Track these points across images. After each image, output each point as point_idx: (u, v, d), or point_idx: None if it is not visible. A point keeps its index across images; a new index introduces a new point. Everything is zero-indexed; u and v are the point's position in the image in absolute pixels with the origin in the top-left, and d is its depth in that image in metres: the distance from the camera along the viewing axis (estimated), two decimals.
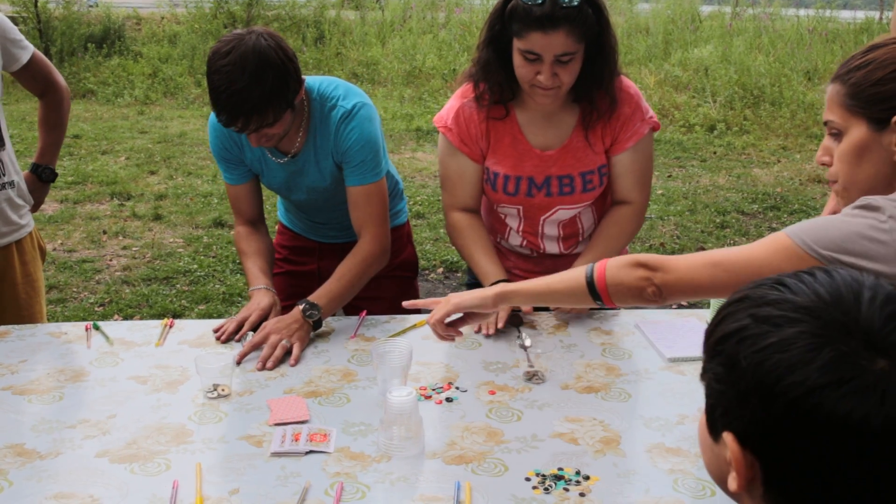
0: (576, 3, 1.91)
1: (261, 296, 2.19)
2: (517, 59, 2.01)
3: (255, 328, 2.10)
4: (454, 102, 2.23)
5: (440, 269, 4.97)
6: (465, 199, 2.28)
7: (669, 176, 7.27)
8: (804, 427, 0.71)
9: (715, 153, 8.04)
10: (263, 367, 1.95)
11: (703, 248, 5.32)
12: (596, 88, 2.08)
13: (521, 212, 2.27)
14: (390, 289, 2.51)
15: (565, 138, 2.18)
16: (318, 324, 2.11)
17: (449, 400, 1.82)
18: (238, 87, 1.94)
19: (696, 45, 11.39)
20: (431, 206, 6.11)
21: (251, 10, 12.60)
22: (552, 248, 2.34)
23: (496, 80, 2.11)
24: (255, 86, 1.95)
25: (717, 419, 0.82)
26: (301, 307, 2.10)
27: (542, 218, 2.27)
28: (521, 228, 2.31)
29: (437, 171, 7.27)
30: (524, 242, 2.34)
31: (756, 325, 0.76)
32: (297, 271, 2.54)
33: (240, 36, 1.99)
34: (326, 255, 2.30)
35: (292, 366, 1.97)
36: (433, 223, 5.74)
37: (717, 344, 0.81)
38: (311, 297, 2.14)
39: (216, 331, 2.12)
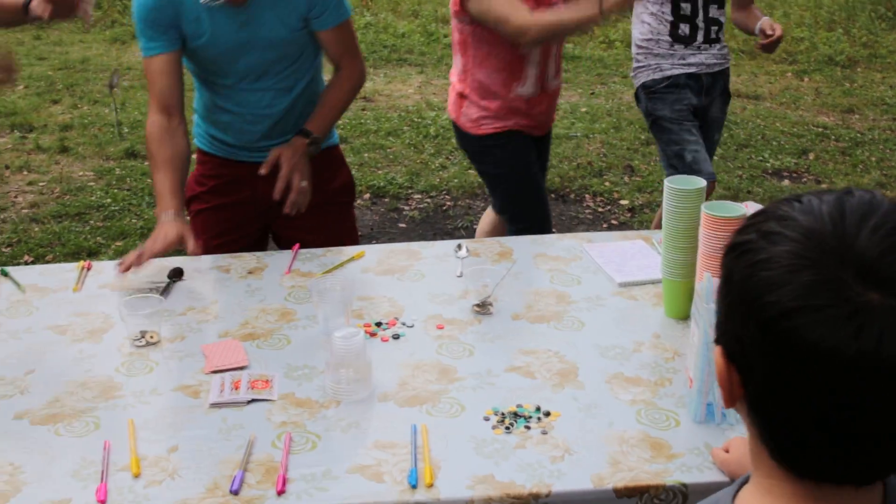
0: None
1: (167, 228, 1.98)
2: None
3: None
4: None
5: (367, 195, 4.83)
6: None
7: (592, 93, 7.21)
8: (776, 349, 0.68)
9: None
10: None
11: (630, 166, 5.31)
12: None
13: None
14: (329, 217, 2.37)
15: None
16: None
17: (396, 337, 1.72)
18: None
19: None
20: (354, 129, 5.92)
21: None
22: (552, 71, 2.73)
23: None
24: None
25: (716, 332, 0.79)
26: (307, 141, 2.15)
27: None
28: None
29: (360, 94, 7.04)
30: (538, 73, 2.67)
31: (757, 239, 0.72)
32: (227, 203, 2.32)
33: None
34: (261, 181, 2.14)
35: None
36: (356, 147, 5.57)
37: (725, 255, 0.77)
38: (309, 127, 2.18)
39: (120, 264, 1.96)
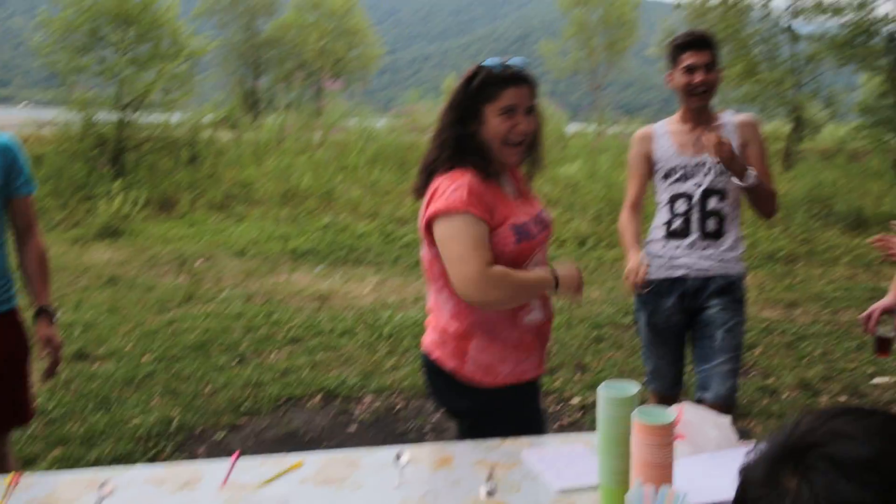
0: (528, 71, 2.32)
1: None
2: (494, 121, 2.27)
3: None
4: (461, 184, 2.21)
5: (318, 398, 4.79)
6: (491, 258, 2.22)
7: None
8: None
9: (587, 267, 8.26)
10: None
11: (581, 364, 5.37)
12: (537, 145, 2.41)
13: (543, 254, 2.38)
14: (9, 371, 2.88)
15: (515, 189, 2.41)
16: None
17: None
18: None
19: (563, 162, 11.88)
20: (308, 330, 5.96)
21: (122, 130, 12.39)
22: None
23: (479, 155, 2.28)
24: None
25: None
26: (45, 318, 2.84)
27: (545, 257, 2.40)
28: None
29: (313, 293, 7.12)
30: (542, 305, 2.40)
31: None
32: None
33: None
34: None
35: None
36: (311, 348, 5.59)
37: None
38: (42, 304, 2.84)
39: None
